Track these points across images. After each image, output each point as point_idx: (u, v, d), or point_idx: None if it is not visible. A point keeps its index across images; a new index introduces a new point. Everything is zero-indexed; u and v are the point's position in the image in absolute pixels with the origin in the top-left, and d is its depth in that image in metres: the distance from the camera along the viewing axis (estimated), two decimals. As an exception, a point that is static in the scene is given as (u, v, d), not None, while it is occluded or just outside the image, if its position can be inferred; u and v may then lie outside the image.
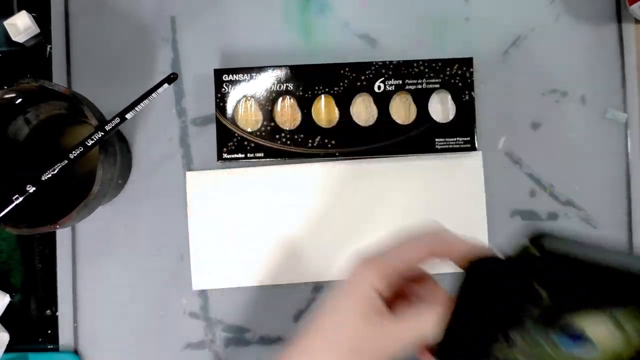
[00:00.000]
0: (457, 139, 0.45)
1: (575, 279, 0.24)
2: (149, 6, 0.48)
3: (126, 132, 0.47)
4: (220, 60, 0.47)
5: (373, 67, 0.45)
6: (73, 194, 0.38)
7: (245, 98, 0.45)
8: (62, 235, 0.47)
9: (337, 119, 0.45)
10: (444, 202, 0.46)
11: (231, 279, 0.46)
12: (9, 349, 0.45)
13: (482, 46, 0.47)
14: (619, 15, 0.47)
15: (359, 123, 0.45)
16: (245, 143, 0.45)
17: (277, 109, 0.45)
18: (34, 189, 0.37)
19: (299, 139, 0.45)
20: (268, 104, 0.45)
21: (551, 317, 0.24)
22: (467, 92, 0.45)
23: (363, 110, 0.45)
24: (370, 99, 0.45)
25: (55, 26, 0.47)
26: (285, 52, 0.47)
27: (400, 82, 0.45)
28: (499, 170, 0.47)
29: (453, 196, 0.46)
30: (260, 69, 0.45)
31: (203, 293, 0.46)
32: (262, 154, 0.45)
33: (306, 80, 0.45)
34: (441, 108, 0.45)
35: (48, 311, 0.47)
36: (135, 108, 0.38)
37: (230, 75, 0.45)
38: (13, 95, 0.38)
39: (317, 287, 0.46)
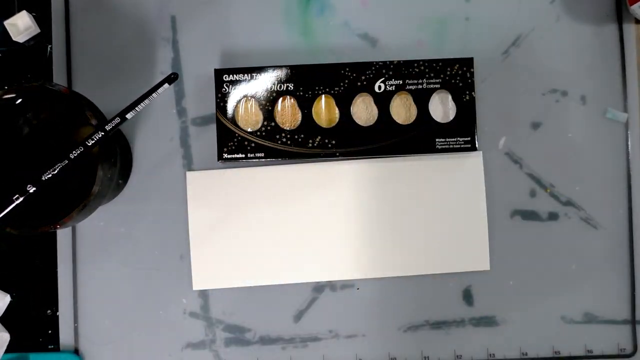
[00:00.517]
0: (458, 139, 0.45)
1: None
2: (149, 6, 0.48)
3: (126, 132, 0.47)
4: (220, 60, 0.47)
5: (373, 67, 0.45)
6: (73, 194, 0.38)
7: (246, 98, 0.45)
8: (62, 235, 0.47)
9: (337, 119, 0.45)
10: (444, 202, 0.46)
11: (231, 278, 0.46)
12: (9, 349, 0.45)
13: (482, 46, 0.47)
14: (620, 15, 0.47)
15: (359, 123, 0.45)
16: (246, 143, 0.45)
17: (278, 109, 0.45)
18: (34, 189, 0.37)
19: (300, 139, 0.45)
20: (268, 104, 0.45)
21: None
22: (467, 92, 0.45)
23: (363, 110, 0.45)
24: (371, 99, 0.45)
25: (56, 26, 0.47)
26: (286, 52, 0.47)
27: (401, 82, 0.45)
28: (499, 170, 0.47)
29: (453, 196, 0.46)
30: (260, 69, 0.45)
31: (203, 293, 0.47)
32: (262, 154, 0.45)
33: (306, 80, 0.45)
34: (441, 108, 0.45)
35: (48, 311, 0.47)
36: (136, 108, 0.38)
37: (231, 75, 0.45)
38: (13, 95, 0.38)
39: (317, 287, 0.46)
